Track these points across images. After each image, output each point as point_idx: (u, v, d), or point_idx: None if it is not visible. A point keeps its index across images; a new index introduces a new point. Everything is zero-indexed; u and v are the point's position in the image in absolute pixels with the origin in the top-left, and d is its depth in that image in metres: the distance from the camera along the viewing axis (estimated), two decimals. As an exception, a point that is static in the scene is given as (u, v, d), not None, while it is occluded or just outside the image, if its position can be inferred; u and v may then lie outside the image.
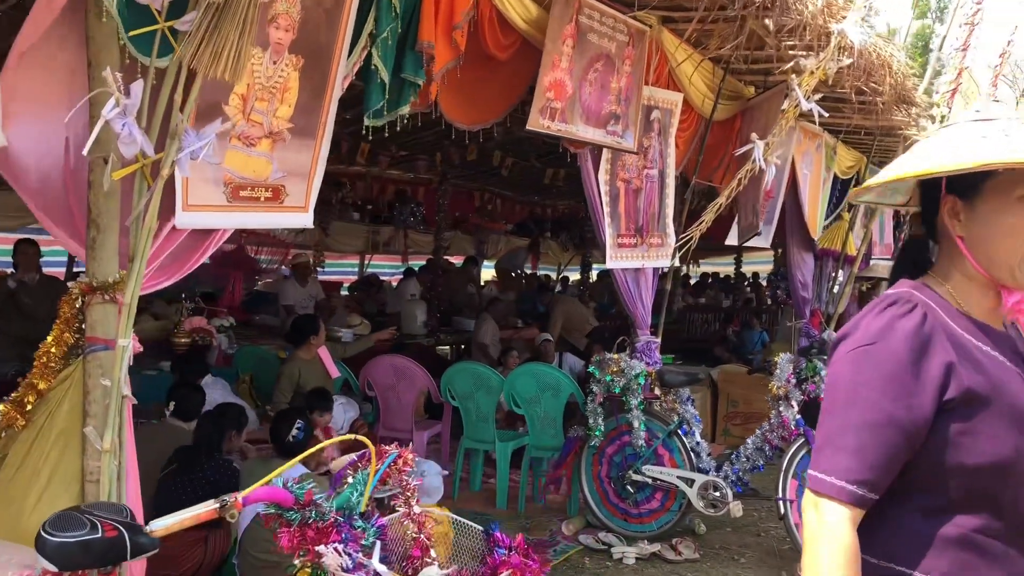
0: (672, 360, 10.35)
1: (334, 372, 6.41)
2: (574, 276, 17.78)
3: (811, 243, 8.30)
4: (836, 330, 7.97)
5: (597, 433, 5.49)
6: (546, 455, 6.19)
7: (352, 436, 2.17)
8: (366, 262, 15.14)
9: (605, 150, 5.38)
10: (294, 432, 4.05)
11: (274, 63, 3.45)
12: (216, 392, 6.15)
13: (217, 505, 1.75)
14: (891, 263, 10.26)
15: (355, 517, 2.02)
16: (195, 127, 2.82)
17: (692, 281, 19.51)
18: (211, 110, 3.12)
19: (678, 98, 5.85)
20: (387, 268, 15.90)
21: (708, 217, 5.52)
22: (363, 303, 12.46)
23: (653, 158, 5.81)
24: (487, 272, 18.12)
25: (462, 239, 15.98)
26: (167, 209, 3.05)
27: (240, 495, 1.78)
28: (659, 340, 5.79)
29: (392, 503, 2.36)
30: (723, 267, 20.20)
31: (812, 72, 5.06)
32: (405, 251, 14.54)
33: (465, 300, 12.20)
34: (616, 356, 5.46)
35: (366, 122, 4.13)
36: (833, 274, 8.49)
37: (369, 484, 2.07)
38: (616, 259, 5.52)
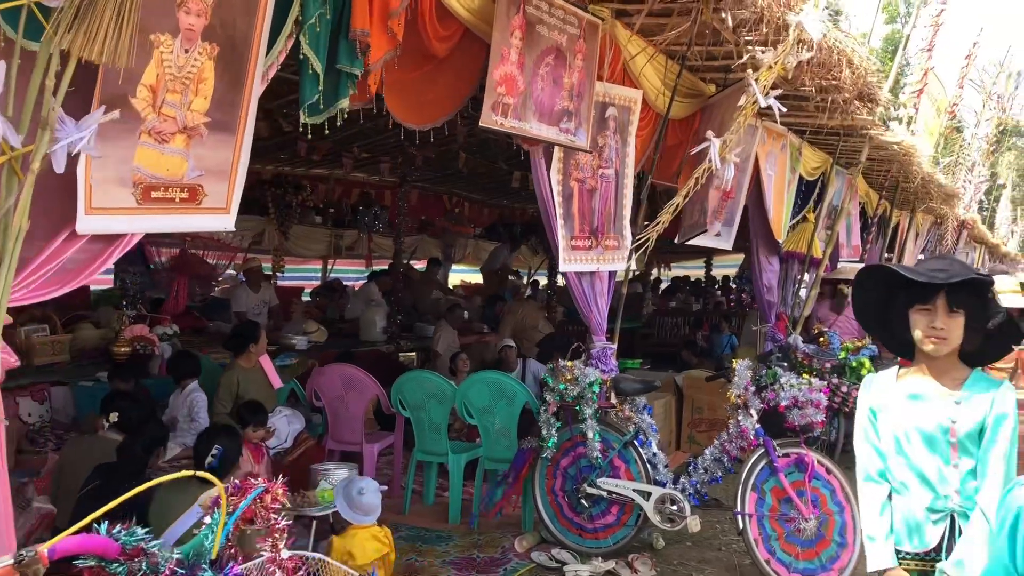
0: (640, 365, 10.23)
1: (277, 382, 6.12)
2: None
3: (776, 245, 8.12)
4: (802, 333, 7.80)
5: (550, 444, 5.25)
6: (501, 467, 5.93)
7: (192, 472, 1.86)
8: (329, 267, 14.83)
9: (556, 148, 5.15)
10: (208, 459, 3.75)
11: (186, 51, 3.18)
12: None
13: (12, 561, 1.45)
14: (859, 265, 10.12)
15: (202, 567, 1.74)
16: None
17: (663, 285, 19.40)
18: (116, 102, 2.86)
19: (636, 95, 5.64)
20: (352, 273, 15.59)
21: (664, 218, 5.30)
22: (325, 309, 12.18)
23: (609, 157, 5.59)
24: (458, 276, 17.88)
25: (429, 243, 15.71)
26: (67, 212, 2.79)
27: (44, 547, 1.49)
28: (615, 346, 5.56)
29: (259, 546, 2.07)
30: (694, 271, 20.08)
31: (770, 67, 4.85)
32: (369, 255, 14.25)
33: (428, 306, 11.93)
34: (570, 363, 5.22)
35: (302, 118, 3.87)
36: (799, 277, 8.31)
37: (220, 528, 1.78)
38: (569, 262, 5.29)
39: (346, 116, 3.98)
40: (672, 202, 5.23)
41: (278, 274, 12.94)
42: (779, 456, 4.88)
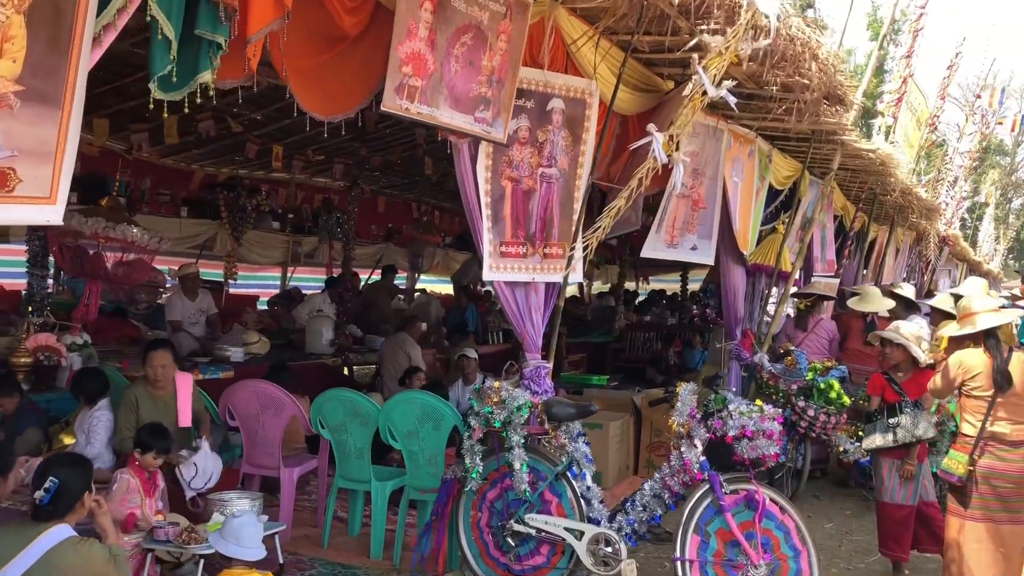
0: (607, 382, 9.67)
1: (186, 418, 5.39)
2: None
3: (742, 257, 7.59)
4: (768, 351, 7.26)
5: (474, 475, 4.67)
6: (428, 497, 5.34)
7: None
8: (289, 275, 14.24)
9: (484, 142, 4.60)
10: (40, 493, 3.17)
11: (-21, -2, 2.61)
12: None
13: None
14: (834, 280, 9.60)
15: None
16: None
17: (639, 299, 18.88)
18: None
19: (589, 86, 5.10)
20: (315, 281, 14.99)
21: (606, 223, 4.75)
22: (281, 319, 11.58)
23: (552, 155, 5.04)
24: (427, 287, 17.26)
25: (395, 251, 15.14)
26: None
27: None
28: (550, 365, 5.00)
29: None
30: (671, 284, 19.59)
31: (720, 53, 4.32)
32: (330, 263, 13.68)
33: (380, 317, 11.34)
34: (496, 384, 4.65)
35: (153, 92, 3.31)
36: (766, 291, 7.78)
37: None
38: (496, 270, 4.74)
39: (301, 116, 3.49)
40: (612, 204, 4.68)
41: (230, 281, 12.38)
42: (726, 493, 4.32)
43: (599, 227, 4.72)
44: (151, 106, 3.33)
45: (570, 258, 5.01)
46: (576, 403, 4.85)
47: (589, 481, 4.65)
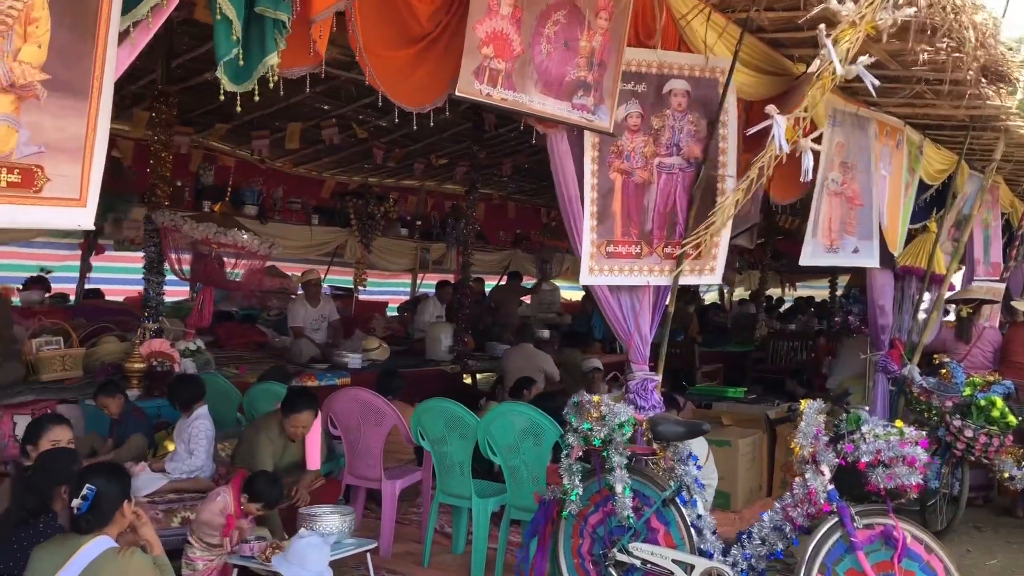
0: (744, 394, 9.02)
1: (315, 462, 5.23)
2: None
3: (890, 259, 6.82)
4: (920, 363, 6.49)
5: (573, 497, 4.25)
6: (527, 517, 4.96)
7: None
8: (419, 281, 14.21)
9: (589, 132, 4.19)
10: (77, 502, 2.99)
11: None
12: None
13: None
14: (999, 285, 8.58)
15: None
16: None
17: (785, 306, 17.93)
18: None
19: (718, 63, 4.59)
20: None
21: (719, 220, 4.24)
22: (408, 325, 11.51)
23: (672, 143, 4.57)
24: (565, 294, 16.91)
25: (523, 257, 14.90)
26: None
27: None
28: (659, 378, 4.52)
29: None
30: (819, 290, 18.47)
31: (854, 22, 3.75)
32: (458, 269, 13.57)
33: (506, 323, 11.05)
34: (596, 398, 4.22)
35: (224, 84, 3.11)
36: (917, 296, 6.97)
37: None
38: (600, 272, 4.32)
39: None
40: (729, 198, 4.17)
41: (360, 287, 12.45)
42: (858, 527, 3.73)
43: (711, 222, 4.22)
44: (221, 98, 3.12)
45: (676, 259, 4.51)
46: (686, 421, 4.36)
47: (701, 509, 4.15)
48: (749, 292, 18.09)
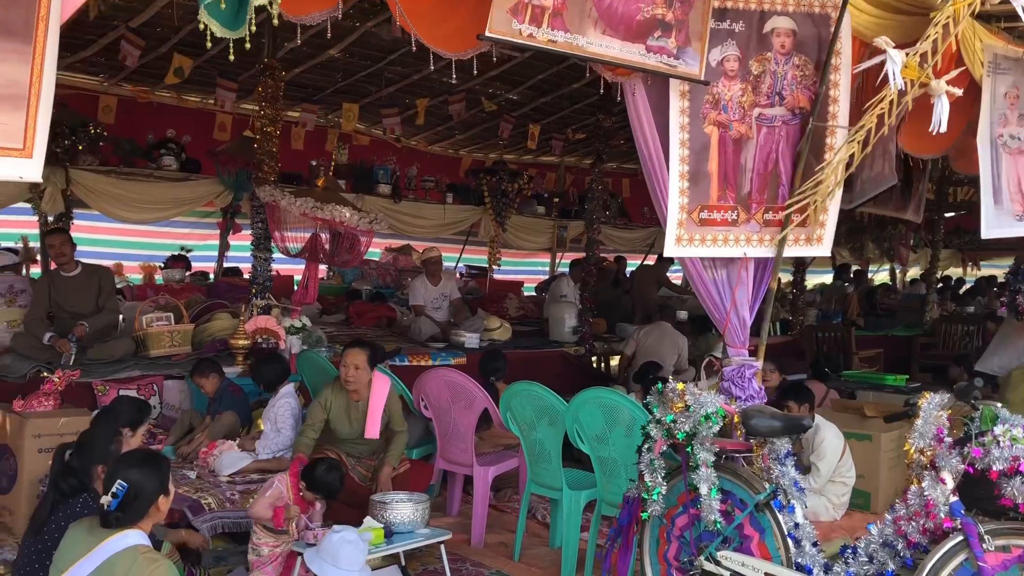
0: (905, 382, 8.13)
1: (374, 430, 4.97)
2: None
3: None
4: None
5: (655, 497, 3.77)
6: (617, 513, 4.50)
7: None
8: (558, 260, 13.83)
9: (677, 80, 3.66)
10: (107, 499, 2.78)
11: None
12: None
13: None
14: None
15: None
16: None
17: (966, 287, 16.37)
18: None
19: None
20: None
21: (829, 180, 3.60)
22: (543, 305, 11.19)
23: (773, 91, 3.97)
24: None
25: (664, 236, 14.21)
26: None
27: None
28: (759, 364, 3.93)
29: None
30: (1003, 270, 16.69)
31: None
32: (597, 248, 13.08)
33: (644, 305, 10.49)
34: (680, 386, 3.70)
35: (213, 28, 2.84)
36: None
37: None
38: (690, 243, 3.79)
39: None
40: (840, 153, 3.52)
41: (494, 266, 12.21)
42: (987, 549, 3.04)
43: (817, 180, 3.58)
44: (209, 45, 2.85)
45: (818, 225, 3.88)
46: (785, 415, 3.76)
47: (799, 517, 3.56)
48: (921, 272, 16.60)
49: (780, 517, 3.54)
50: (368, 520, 4.22)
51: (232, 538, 4.63)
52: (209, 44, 2.88)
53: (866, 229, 13.99)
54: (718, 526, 3.62)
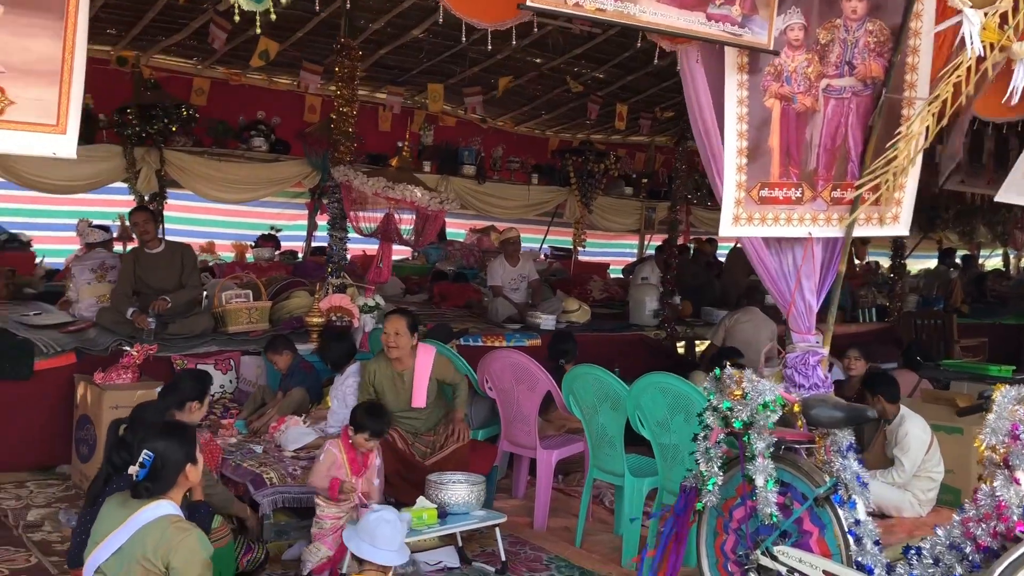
0: (1011, 373, 7.67)
1: (420, 399, 4.99)
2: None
3: None
4: None
5: (710, 486, 3.62)
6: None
7: None
8: (646, 242, 13.59)
9: (735, 50, 3.48)
10: (135, 468, 2.83)
11: None
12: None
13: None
14: None
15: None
16: None
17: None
18: None
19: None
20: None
21: (903, 155, 3.36)
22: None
23: (842, 61, 3.74)
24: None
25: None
26: None
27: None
28: (826, 350, 3.72)
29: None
30: None
31: None
32: (687, 230, 12.78)
33: (733, 288, 10.19)
34: (737, 372, 3.53)
35: (240, 3, 2.82)
36: None
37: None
38: (746, 222, 3.61)
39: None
40: (914, 123, 3.28)
41: (579, 248, 12.07)
42: (1066, 559, 2.80)
43: (889, 157, 3.35)
44: (236, 19, 2.83)
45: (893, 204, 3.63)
46: (847, 404, 3.55)
47: (861, 513, 3.35)
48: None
49: (840, 513, 3.35)
50: (421, 500, 4.22)
51: (295, 513, 4.69)
52: (237, 18, 2.87)
53: (978, 211, 13.22)
54: (774, 519, 3.45)
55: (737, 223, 3.66)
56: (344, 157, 6.58)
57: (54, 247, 9.16)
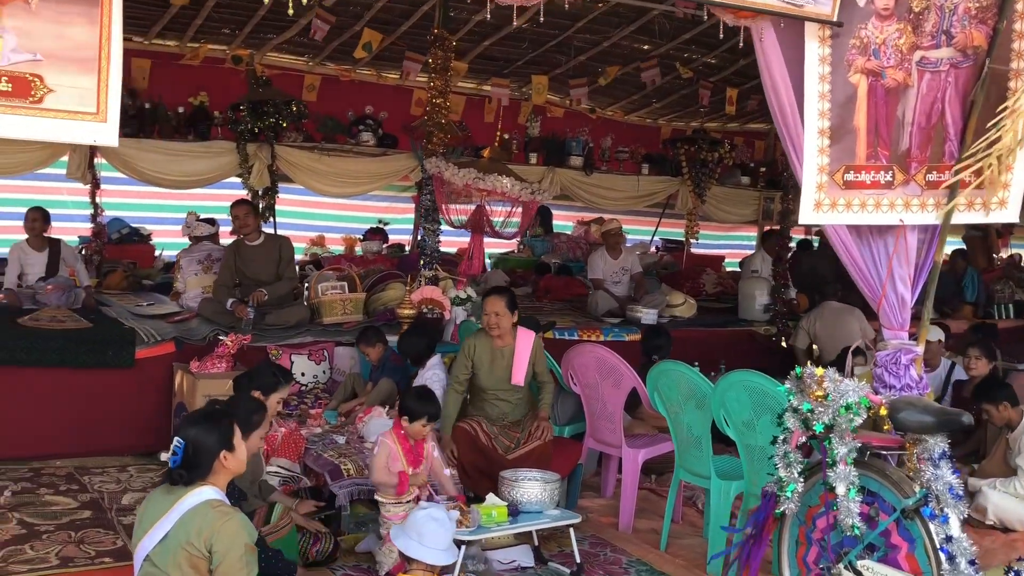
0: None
1: (519, 375, 4.87)
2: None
3: None
4: None
5: (789, 493, 3.37)
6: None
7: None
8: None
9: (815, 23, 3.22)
10: (167, 456, 2.84)
11: None
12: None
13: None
14: None
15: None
16: None
17: None
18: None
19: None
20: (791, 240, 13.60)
21: (1011, 134, 3.01)
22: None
23: (939, 30, 3.41)
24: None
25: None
26: None
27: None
28: (920, 349, 3.40)
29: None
30: None
31: None
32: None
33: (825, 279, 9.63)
34: (819, 371, 3.26)
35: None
36: None
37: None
38: (829, 208, 3.34)
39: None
40: (1020, 98, 2.93)
41: (692, 240, 11.72)
42: None
43: (991, 138, 3.01)
44: (291, 12, 2.79)
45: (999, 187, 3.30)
46: (940, 408, 3.21)
47: (955, 529, 3.03)
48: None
49: (931, 527, 3.05)
50: (491, 497, 4.12)
51: (375, 505, 4.69)
52: (291, 12, 2.84)
53: None
54: (856, 531, 3.18)
55: (819, 209, 3.38)
56: (437, 149, 6.56)
57: (173, 240, 9.55)
